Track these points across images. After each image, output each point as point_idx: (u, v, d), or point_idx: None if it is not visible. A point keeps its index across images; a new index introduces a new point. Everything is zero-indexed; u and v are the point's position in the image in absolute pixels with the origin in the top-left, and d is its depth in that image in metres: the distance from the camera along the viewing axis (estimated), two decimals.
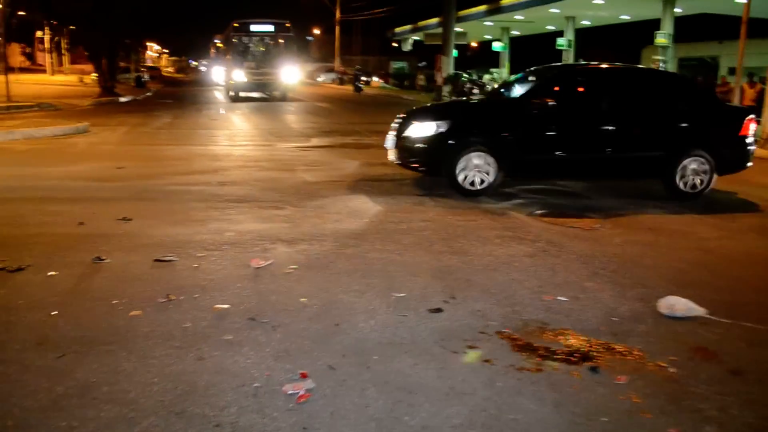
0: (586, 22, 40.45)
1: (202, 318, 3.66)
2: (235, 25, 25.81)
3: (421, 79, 42.33)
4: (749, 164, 7.94)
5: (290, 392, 2.84)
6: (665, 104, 7.79)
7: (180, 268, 4.56)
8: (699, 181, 7.51)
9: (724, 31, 34.30)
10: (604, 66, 8.59)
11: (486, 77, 35.29)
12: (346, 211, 6.41)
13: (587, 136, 7.51)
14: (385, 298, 4.03)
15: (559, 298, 4.11)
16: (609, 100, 7.64)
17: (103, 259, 4.69)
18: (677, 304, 3.89)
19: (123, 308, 3.78)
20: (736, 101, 15.03)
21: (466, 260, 4.89)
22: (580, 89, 7.89)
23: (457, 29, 39.59)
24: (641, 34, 38.63)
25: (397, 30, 59.05)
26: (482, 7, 41.07)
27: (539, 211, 6.67)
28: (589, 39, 44.16)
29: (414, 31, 55.06)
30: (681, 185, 7.49)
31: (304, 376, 2.99)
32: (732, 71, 20.23)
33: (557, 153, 7.37)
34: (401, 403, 2.79)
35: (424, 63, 50.53)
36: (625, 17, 37.97)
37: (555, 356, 3.26)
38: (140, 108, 21.47)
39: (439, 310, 3.85)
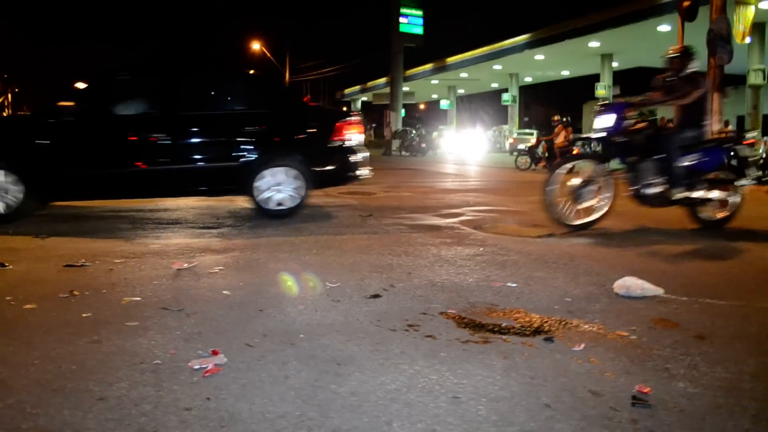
0: (528, 79, 41.78)
1: (107, 309, 3.20)
2: None
3: (368, 136, 42.84)
4: (356, 175, 6.86)
5: (196, 367, 2.41)
6: (238, 107, 6.88)
7: (92, 271, 4.09)
8: (289, 195, 6.46)
9: None
10: (155, 66, 7.40)
11: (434, 134, 35.81)
12: (284, 227, 6.02)
13: (132, 147, 6.41)
14: (318, 288, 3.65)
15: (508, 284, 3.79)
16: (164, 105, 6.53)
17: (6, 266, 4.18)
18: (633, 285, 3.62)
19: (17, 303, 3.29)
20: None
21: (409, 259, 4.54)
22: (126, 95, 6.79)
23: (405, 88, 40.40)
24: (582, 90, 40.00)
25: (347, 91, 59.98)
26: (428, 66, 42.10)
27: (486, 225, 6.40)
28: (533, 95, 45.55)
29: (363, 91, 55.99)
30: (264, 200, 6.45)
31: (215, 353, 2.56)
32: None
33: (94, 168, 6.34)
34: (327, 373, 2.38)
35: (374, 124, 51.17)
36: (566, 73, 39.38)
37: (505, 331, 2.92)
38: None
39: (377, 296, 3.48)
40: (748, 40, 19.86)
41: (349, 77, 52.84)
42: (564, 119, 18.76)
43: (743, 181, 6.25)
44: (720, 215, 6.30)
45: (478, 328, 2.95)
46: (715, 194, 6.13)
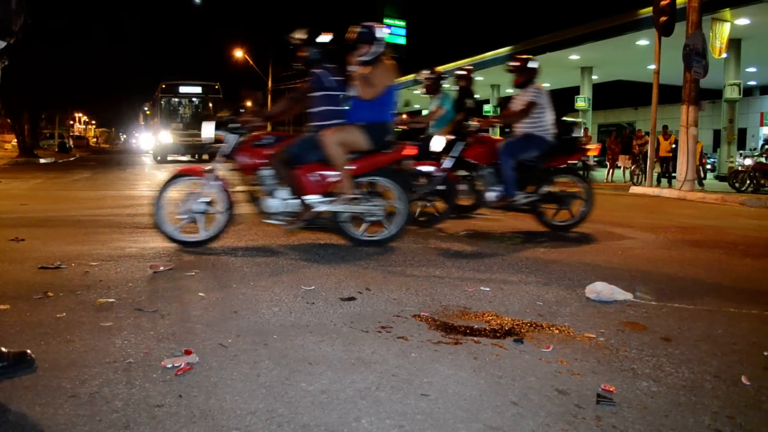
0: (510, 91, 42.16)
1: (81, 310, 3.20)
2: (162, 86, 25.47)
3: None
4: None
5: (169, 366, 2.43)
6: None
7: (67, 273, 4.07)
8: None
9: (639, 99, 36.32)
10: None
11: None
12: (263, 233, 6.03)
13: None
14: (293, 290, 3.67)
15: (482, 288, 3.84)
16: None
17: None
18: (604, 290, 3.69)
19: None
20: (652, 152, 15.68)
21: (385, 263, 4.59)
22: None
23: None
24: (563, 102, 40.23)
25: None
26: (411, 76, 42.28)
27: (463, 232, 6.46)
28: None
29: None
30: None
31: (188, 352, 2.57)
32: (647, 133, 21.15)
33: None
34: (299, 372, 2.41)
35: None
36: (547, 85, 39.76)
37: (476, 333, 2.96)
38: (60, 167, 20.67)
39: (351, 299, 3.51)
40: (724, 55, 20.26)
41: None
42: None
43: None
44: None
45: (449, 330, 2.99)
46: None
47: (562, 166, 6.56)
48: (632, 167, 17.37)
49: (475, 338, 2.87)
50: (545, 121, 6.36)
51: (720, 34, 18.82)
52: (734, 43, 22.86)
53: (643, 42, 23.73)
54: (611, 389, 2.31)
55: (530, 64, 6.51)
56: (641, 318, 3.29)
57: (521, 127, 6.41)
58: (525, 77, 6.49)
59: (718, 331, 3.11)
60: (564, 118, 7.11)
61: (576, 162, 6.76)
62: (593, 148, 7.12)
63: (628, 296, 3.66)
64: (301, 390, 2.24)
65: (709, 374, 2.50)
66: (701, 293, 3.93)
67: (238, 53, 46.30)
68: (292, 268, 4.38)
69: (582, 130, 8.42)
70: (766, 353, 2.77)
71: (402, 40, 36.56)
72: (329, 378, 2.36)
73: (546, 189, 6.48)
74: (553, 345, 2.79)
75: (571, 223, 6.60)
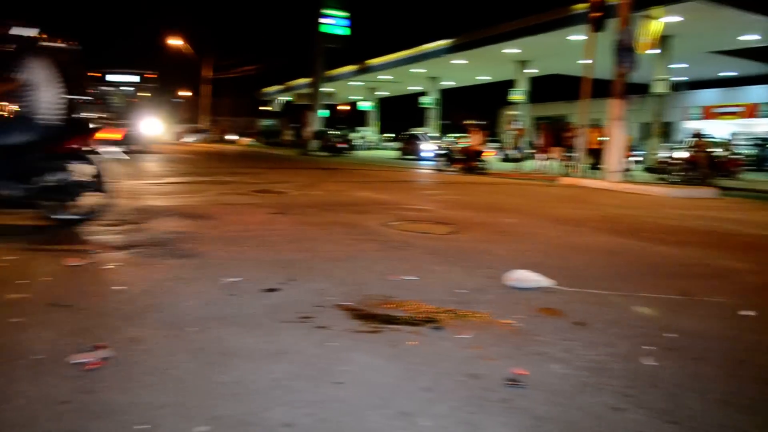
0: (449, 83, 42.59)
1: None
2: (90, 75, 24.61)
3: (288, 135, 42.64)
4: None
5: (79, 361, 2.36)
6: None
7: None
8: None
9: (574, 92, 37.22)
10: None
11: (352, 135, 36.05)
12: (188, 223, 5.92)
13: None
14: (215, 282, 3.62)
15: (405, 277, 3.88)
16: None
17: None
18: (524, 277, 3.78)
19: None
20: (582, 144, 16.19)
21: (313, 255, 4.57)
22: None
23: (327, 89, 40.37)
24: (502, 94, 40.85)
25: (267, 90, 59.31)
26: (351, 67, 42.25)
27: (393, 222, 6.50)
28: (454, 98, 46.38)
29: (284, 91, 55.53)
30: None
31: (101, 347, 2.51)
32: (591, 126, 21.63)
33: None
34: (215, 364, 2.39)
35: (298, 125, 50.93)
36: (486, 78, 40.38)
37: (396, 321, 2.99)
38: None
39: (274, 290, 3.49)
40: (653, 51, 20.97)
41: (272, 76, 52.40)
42: (478, 123, 19.34)
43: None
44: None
45: (370, 319, 3.01)
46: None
47: (71, 152, 5.56)
48: (564, 159, 17.84)
49: (395, 326, 2.90)
50: (39, 101, 5.31)
51: (648, 30, 19.45)
52: (664, 40, 23.70)
53: (576, 37, 24.32)
54: (522, 372, 2.37)
55: (17, 31, 5.52)
56: (558, 304, 3.39)
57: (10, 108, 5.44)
58: (12, 50, 5.34)
59: (629, 314, 3.24)
60: (72, 97, 5.88)
61: (87, 147, 5.73)
62: (110, 131, 5.87)
63: (548, 283, 3.77)
64: (215, 382, 2.22)
65: (615, 356, 2.61)
66: (617, 279, 4.08)
67: (175, 41, 45.21)
68: (216, 258, 4.32)
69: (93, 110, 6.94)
70: (666, 335, 2.91)
71: (343, 31, 36.33)
72: (245, 369, 2.34)
73: (52, 178, 5.43)
74: (470, 332, 2.85)
75: (83, 217, 5.64)
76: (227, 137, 47.07)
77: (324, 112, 37.45)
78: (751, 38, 25.93)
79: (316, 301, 3.28)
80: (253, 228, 5.80)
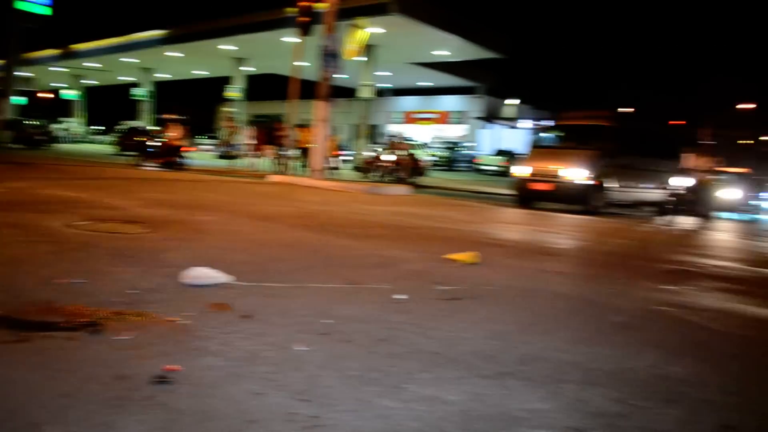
0: (165, 75, 40.86)
1: None
2: None
3: None
4: None
5: None
6: None
7: None
8: None
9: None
10: None
11: (54, 126, 32.65)
12: None
13: None
14: None
15: (74, 281, 3.66)
16: None
17: None
18: (202, 274, 3.82)
19: None
20: (292, 143, 16.87)
21: None
22: None
23: (24, 73, 35.99)
24: (220, 91, 40.51)
25: None
26: (53, 51, 38.22)
27: (80, 222, 6.06)
28: (172, 92, 44.62)
29: None
30: None
31: None
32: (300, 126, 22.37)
33: None
34: None
35: None
36: (203, 73, 39.60)
37: (51, 327, 2.80)
38: None
39: None
40: (359, 58, 22.51)
41: None
42: (178, 117, 18.84)
43: None
44: None
45: (22, 327, 2.78)
46: None
47: None
48: (276, 157, 18.34)
49: (49, 333, 2.73)
50: None
51: (356, 38, 20.86)
52: (370, 49, 25.58)
53: (289, 39, 25.09)
54: (174, 368, 2.40)
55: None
56: (230, 298, 3.49)
57: None
58: None
59: (295, 305, 3.47)
60: None
61: None
62: None
63: (226, 279, 3.85)
64: None
65: (271, 344, 2.77)
66: (295, 272, 4.33)
67: None
68: None
69: None
70: (323, 321, 3.18)
71: (45, 10, 32.55)
72: None
73: None
74: (132, 332, 2.80)
75: None
76: None
77: (20, 99, 33.31)
78: (443, 53, 29.36)
79: None
80: None
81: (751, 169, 17.87)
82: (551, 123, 15.77)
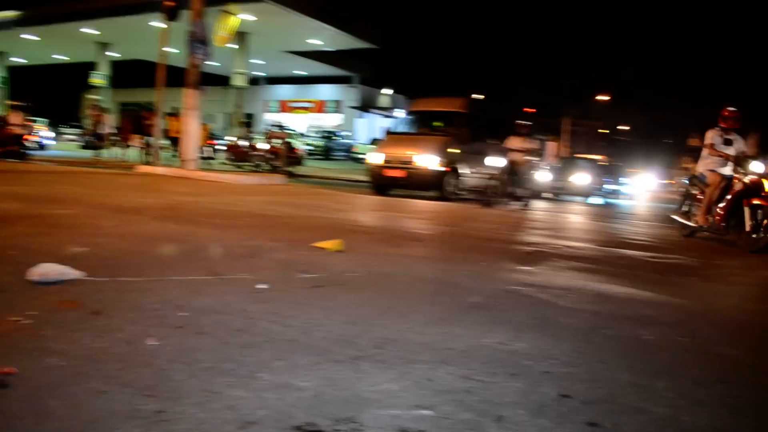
0: (20, 60, 37.88)
1: None
2: None
3: None
4: None
5: None
6: None
7: None
8: None
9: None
10: None
11: None
12: None
13: None
14: None
15: None
16: None
17: None
18: (50, 271, 3.62)
19: None
20: (161, 132, 16.26)
21: None
22: None
23: None
24: (85, 78, 38.23)
25: None
26: None
27: None
28: (30, 78, 41.45)
29: None
30: None
31: None
32: (170, 114, 21.49)
33: None
34: None
35: None
36: (64, 58, 37.07)
37: None
38: None
39: None
40: (231, 45, 21.98)
41: None
42: (19, 104, 17.72)
43: None
44: None
45: None
46: None
47: None
48: (144, 147, 17.60)
49: None
50: None
51: (227, 25, 20.32)
52: (242, 37, 25.04)
53: (156, 23, 24.06)
54: (9, 371, 2.28)
55: None
56: (81, 295, 3.34)
57: None
58: None
59: (150, 299, 3.38)
60: None
61: None
62: None
63: (76, 274, 3.68)
64: None
65: (120, 341, 2.69)
66: (155, 266, 4.21)
67: None
68: None
69: None
70: (179, 314, 3.13)
71: None
72: None
73: None
74: None
75: None
76: None
77: None
78: (316, 42, 29.28)
79: None
80: None
81: (607, 157, 19.18)
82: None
